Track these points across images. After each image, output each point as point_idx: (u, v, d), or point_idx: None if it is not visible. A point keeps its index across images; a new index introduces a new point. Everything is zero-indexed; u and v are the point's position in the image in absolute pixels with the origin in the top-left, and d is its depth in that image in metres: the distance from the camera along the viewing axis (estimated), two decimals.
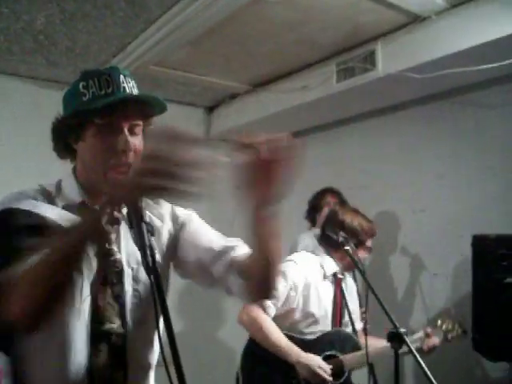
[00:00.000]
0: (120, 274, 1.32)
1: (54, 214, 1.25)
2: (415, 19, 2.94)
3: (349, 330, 2.63)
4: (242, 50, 3.45)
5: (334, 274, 2.63)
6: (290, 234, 3.81)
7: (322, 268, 2.61)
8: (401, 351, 1.86)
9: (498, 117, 3.16)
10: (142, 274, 1.32)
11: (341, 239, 2.38)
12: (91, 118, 1.27)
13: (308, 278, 2.54)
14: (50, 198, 1.32)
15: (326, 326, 2.56)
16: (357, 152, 4.08)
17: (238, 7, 2.79)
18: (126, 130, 1.28)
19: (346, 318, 2.66)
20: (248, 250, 1.41)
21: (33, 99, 3.89)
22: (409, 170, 3.68)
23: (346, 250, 2.35)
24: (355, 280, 2.75)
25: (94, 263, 1.28)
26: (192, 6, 2.78)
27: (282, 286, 2.44)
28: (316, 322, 2.53)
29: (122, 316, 1.31)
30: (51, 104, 3.93)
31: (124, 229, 1.35)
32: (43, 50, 3.40)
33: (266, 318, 2.42)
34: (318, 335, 2.51)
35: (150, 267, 1.04)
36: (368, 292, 2.39)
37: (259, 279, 1.36)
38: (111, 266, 1.32)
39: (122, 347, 1.30)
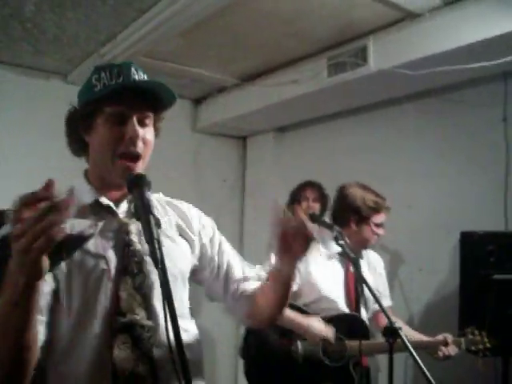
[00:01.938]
0: (140, 264, 1.31)
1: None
2: (408, 16, 2.94)
3: (364, 314, 2.54)
4: (232, 43, 3.42)
5: (343, 254, 2.49)
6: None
7: (326, 248, 2.55)
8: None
9: (487, 115, 3.19)
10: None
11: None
12: (101, 107, 1.29)
13: (308, 257, 2.41)
14: None
15: (338, 307, 2.49)
16: (345, 147, 4.09)
17: (229, 0, 2.77)
18: (134, 119, 1.30)
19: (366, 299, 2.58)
20: (258, 284, 1.57)
21: (18, 87, 3.82)
22: (397, 165, 3.70)
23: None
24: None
25: (114, 255, 1.29)
26: None
27: None
28: (324, 302, 2.47)
29: (147, 307, 1.30)
30: (37, 93, 3.91)
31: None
32: (31, 38, 3.33)
33: None
34: (328, 315, 2.45)
35: (158, 260, 1.03)
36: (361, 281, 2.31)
37: (265, 311, 1.54)
38: (131, 257, 1.31)
39: (148, 339, 1.28)
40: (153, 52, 3.50)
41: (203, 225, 1.55)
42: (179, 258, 1.42)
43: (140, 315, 1.28)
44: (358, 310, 2.55)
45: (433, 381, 1.54)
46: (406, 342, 1.69)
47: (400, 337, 1.73)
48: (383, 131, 3.82)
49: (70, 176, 1.40)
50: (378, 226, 2.55)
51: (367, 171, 3.84)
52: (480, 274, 2.68)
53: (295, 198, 3.67)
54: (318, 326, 2.34)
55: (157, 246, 1.04)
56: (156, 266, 1.03)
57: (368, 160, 3.87)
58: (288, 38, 3.30)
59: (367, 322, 2.54)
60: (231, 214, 4.92)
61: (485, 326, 2.53)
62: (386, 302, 2.71)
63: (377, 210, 2.52)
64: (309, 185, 3.65)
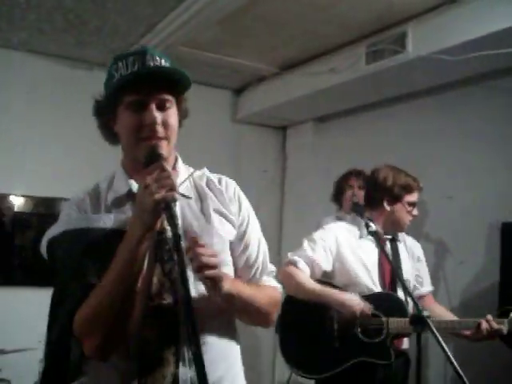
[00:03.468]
0: (170, 251, 1.35)
1: (100, 221, 1.33)
2: (447, 0, 2.87)
3: (401, 296, 2.46)
4: (270, 31, 3.42)
5: (375, 233, 2.46)
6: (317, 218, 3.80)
7: (358, 229, 2.54)
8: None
9: None
10: None
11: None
12: (120, 96, 1.32)
13: (338, 238, 2.49)
14: (98, 196, 1.39)
15: (371, 287, 2.45)
16: (385, 137, 4.02)
17: None
18: (153, 106, 1.32)
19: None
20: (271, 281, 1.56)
21: (62, 78, 3.93)
22: (438, 155, 3.61)
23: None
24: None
25: (148, 242, 1.32)
26: None
27: (309, 251, 2.44)
28: (357, 287, 2.44)
29: (174, 293, 1.34)
30: (80, 84, 4.01)
31: (179, 206, 1.37)
32: (73, 30, 3.43)
33: (299, 271, 2.42)
34: (364, 294, 2.41)
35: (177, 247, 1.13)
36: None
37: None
38: (162, 244, 1.36)
39: (174, 323, 1.32)
40: (192, 41, 3.53)
41: (240, 207, 1.53)
42: (217, 245, 1.42)
43: (167, 300, 1.33)
44: (393, 290, 2.51)
45: (458, 368, 1.50)
46: (433, 329, 1.66)
47: (428, 325, 1.70)
48: (423, 120, 3.74)
49: (115, 164, 1.46)
50: (411, 205, 2.51)
51: (407, 161, 3.75)
52: None
53: (340, 187, 3.66)
54: (355, 299, 2.33)
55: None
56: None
57: (408, 150, 3.80)
58: (326, 25, 3.27)
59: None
60: (271, 204, 4.92)
61: None
62: (427, 288, 2.66)
63: (409, 189, 2.49)
64: (353, 173, 3.62)
